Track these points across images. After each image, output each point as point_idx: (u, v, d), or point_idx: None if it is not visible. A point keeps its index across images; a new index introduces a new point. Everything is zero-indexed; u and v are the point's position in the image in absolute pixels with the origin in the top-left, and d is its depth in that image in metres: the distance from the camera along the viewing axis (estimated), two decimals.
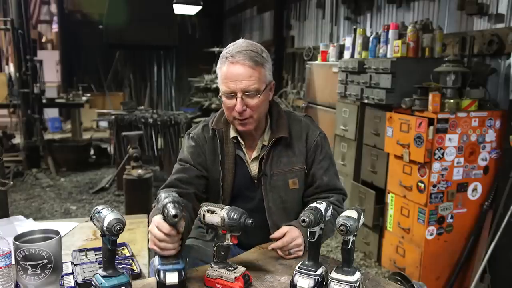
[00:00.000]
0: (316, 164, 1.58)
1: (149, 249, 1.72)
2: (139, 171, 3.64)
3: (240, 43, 1.48)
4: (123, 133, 4.18)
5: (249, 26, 8.28)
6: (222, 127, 1.57)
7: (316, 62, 4.58)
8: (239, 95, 1.41)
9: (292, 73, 6.35)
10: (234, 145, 1.57)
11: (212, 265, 1.27)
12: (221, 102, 1.50)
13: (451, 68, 2.78)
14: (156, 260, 1.24)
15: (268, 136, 1.56)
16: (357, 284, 1.14)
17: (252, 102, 1.43)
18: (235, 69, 1.41)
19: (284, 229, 1.46)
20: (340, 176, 3.72)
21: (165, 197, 1.19)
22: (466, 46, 3.12)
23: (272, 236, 1.46)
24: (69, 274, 1.39)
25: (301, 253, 1.44)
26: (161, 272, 1.19)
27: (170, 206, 1.16)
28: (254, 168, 1.57)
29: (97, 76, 9.83)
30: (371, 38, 3.53)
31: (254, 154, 1.57)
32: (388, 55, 3.25)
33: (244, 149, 1.58)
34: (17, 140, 6.34)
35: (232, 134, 1.57)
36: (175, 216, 1.14)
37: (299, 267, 1.22)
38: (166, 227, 1.19)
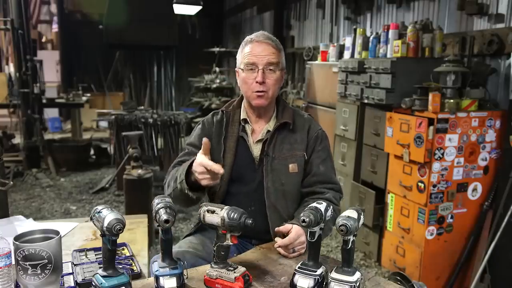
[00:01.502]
0: (315, 153, 1.68)
1: (149, 249, 1.73)
2: (139, 171, 3.64)
3: (262, 32, 1.66)
4: (123, 133, 4.17)
5: (249, 26, 8.26)
6: (231, 110, 1.70)
7: (316, 62, 4.58)
8: (260, 67, 1.57)
9: (292, 73, 6.34)
10: (239, 127, 1.67)
11: (212, 265, 1.27)
12: (239, 80, 1.64)
13: (451, 68, 2.77)
14: (155, 266, 1.24)
15: (273, 122, 1.67)
16: (357, 284, 1.14)
17: (271, 77, 1.59)
18: (261, 46, 1.59)
19: (288, 226, 1.47)
20: (340, 176, 3.77)
21: (158, 203, 1.22)
22: (466, 46, 3.12)
23: (277, 229, 1.49)
24: (69, 274, 1.39)
25: (303, 250, 1.46)
26: (160, 278, 1.19)
27: (162, 211, 1.19)
28: (257, 149, 1.66)
29: (97, 76, 9.82)
30: (371, 38, 3.53)
31: (259, 136, 1.66)
32: (388, 55, 3.25)
33: (248, 131, 1.67)
34: (17, 140, 6.34)
35: (243, 116, 1.68)
36: (166, 221, 1.17)
37: (299, 267, 1.22)
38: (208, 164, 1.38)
